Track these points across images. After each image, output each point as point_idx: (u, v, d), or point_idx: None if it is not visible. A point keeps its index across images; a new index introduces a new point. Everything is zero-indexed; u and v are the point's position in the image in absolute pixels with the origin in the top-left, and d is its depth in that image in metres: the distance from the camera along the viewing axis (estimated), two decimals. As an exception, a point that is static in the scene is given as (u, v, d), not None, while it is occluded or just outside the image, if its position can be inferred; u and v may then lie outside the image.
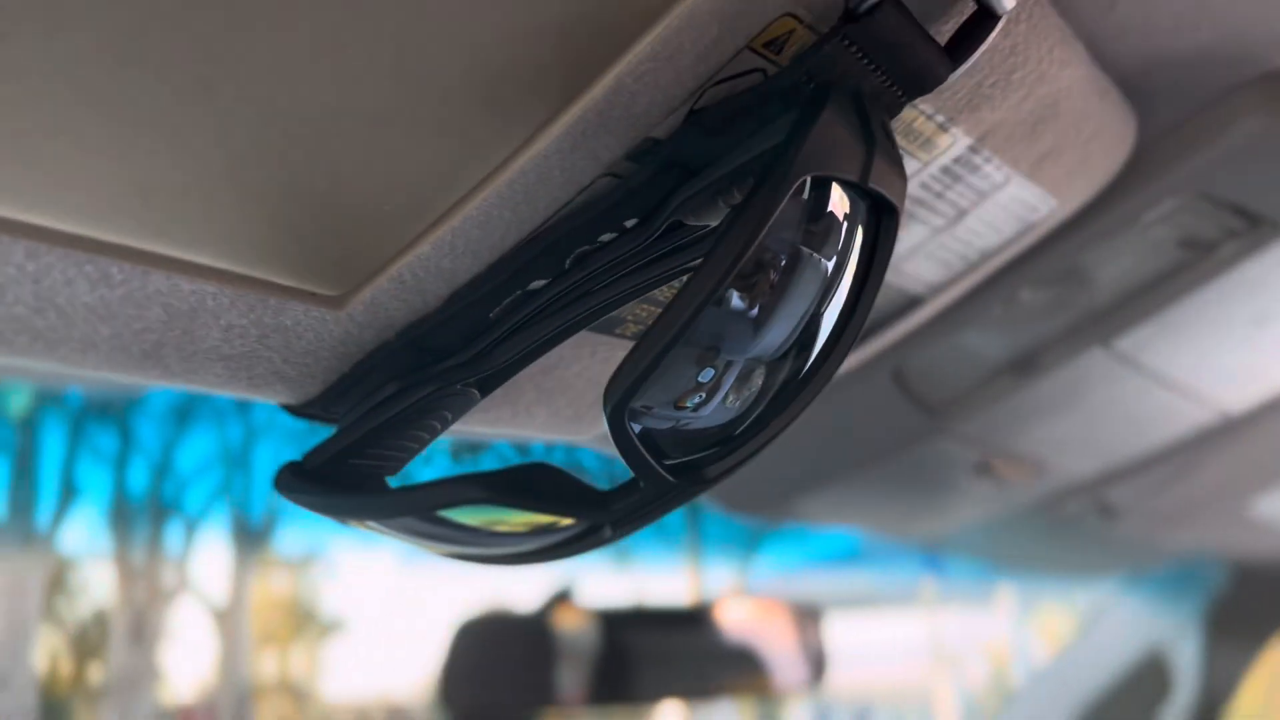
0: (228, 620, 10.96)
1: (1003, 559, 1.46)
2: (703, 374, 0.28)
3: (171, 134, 0.24)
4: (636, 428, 0.29)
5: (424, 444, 0.37)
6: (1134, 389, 0.63)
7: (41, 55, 0.22)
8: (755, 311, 0.27)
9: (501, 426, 0.44)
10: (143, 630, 10.08)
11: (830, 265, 0.28)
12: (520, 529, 0.33)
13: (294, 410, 0.39)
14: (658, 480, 0.30)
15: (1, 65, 0.21)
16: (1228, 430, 0.78)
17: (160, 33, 0.22)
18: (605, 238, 0.31)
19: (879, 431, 0.64)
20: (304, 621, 13.85)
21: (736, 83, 0.28)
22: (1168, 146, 0.45)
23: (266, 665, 13.27)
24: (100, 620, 11.41)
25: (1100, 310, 0.54)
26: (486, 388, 0.36)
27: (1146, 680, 1.42)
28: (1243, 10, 0.38)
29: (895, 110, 0.30)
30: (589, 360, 0.43)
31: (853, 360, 0.54)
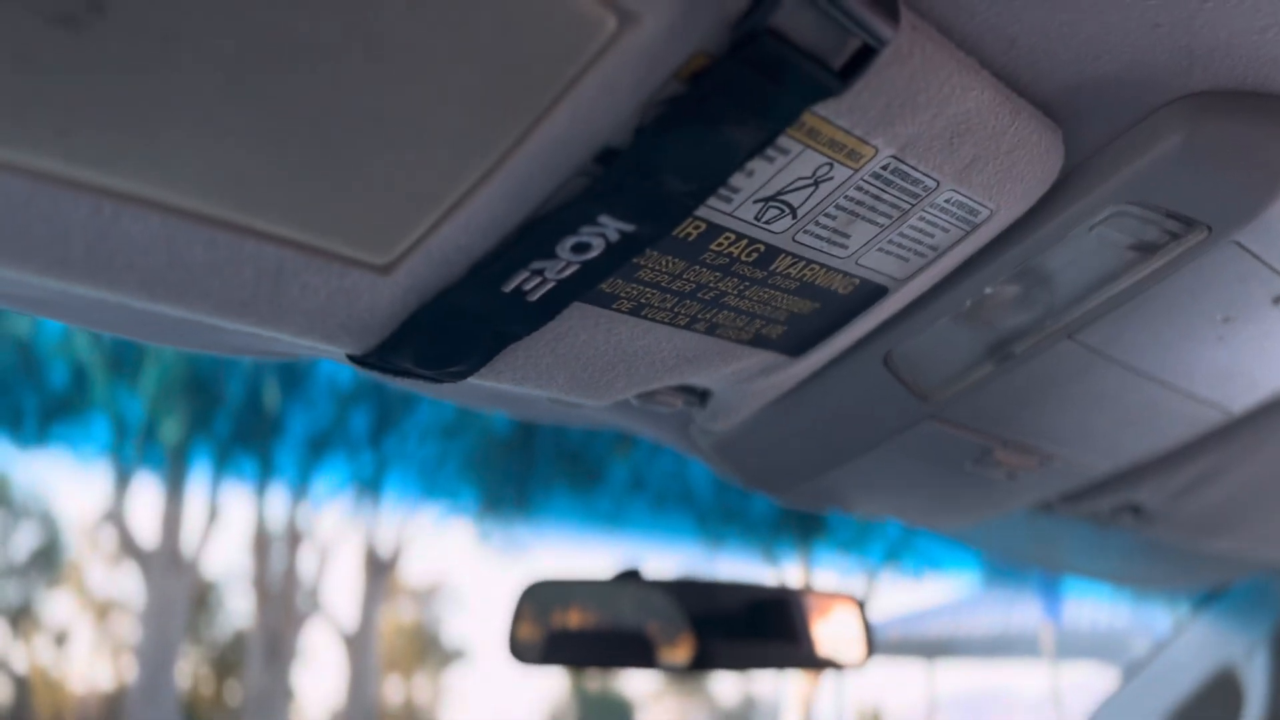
0: (356, 645, 11.30)
1: (1081, 572, 1.48)
2: None
3: (263, 137, 0.34)
4: None
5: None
6: (1119, 383, 0.69)
7: (183, 87, 0.31)
8: None
9: (529, 384, 0.54)
10: (278, 651, 10.49)
11: None
12: None
13: (357, 360, 0.48)
14: None
15: (156, 98, 0.31)
16: (1244, 434, 0.82)
17: (261, 69, 0.31)
18: (586, 229, 0.42)
19: (877, 415, 0.72)
20: (428, 649, 14.24)
21: (672, 103, 0.38)
22: (1101, 159, 0.52)
23: (392, 691, 13.69)
24: (238, 641, 11.96)
25: (1062, 305, 0.61)
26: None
27: (1219, 698, 1.41)
28: (1136, 43, 0.44)
29: (795, 114, 0.39)
30: (593, 331, 0.51)
31: (840, 346, 0.61)
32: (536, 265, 0.43)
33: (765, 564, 3.91)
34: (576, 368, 0.54)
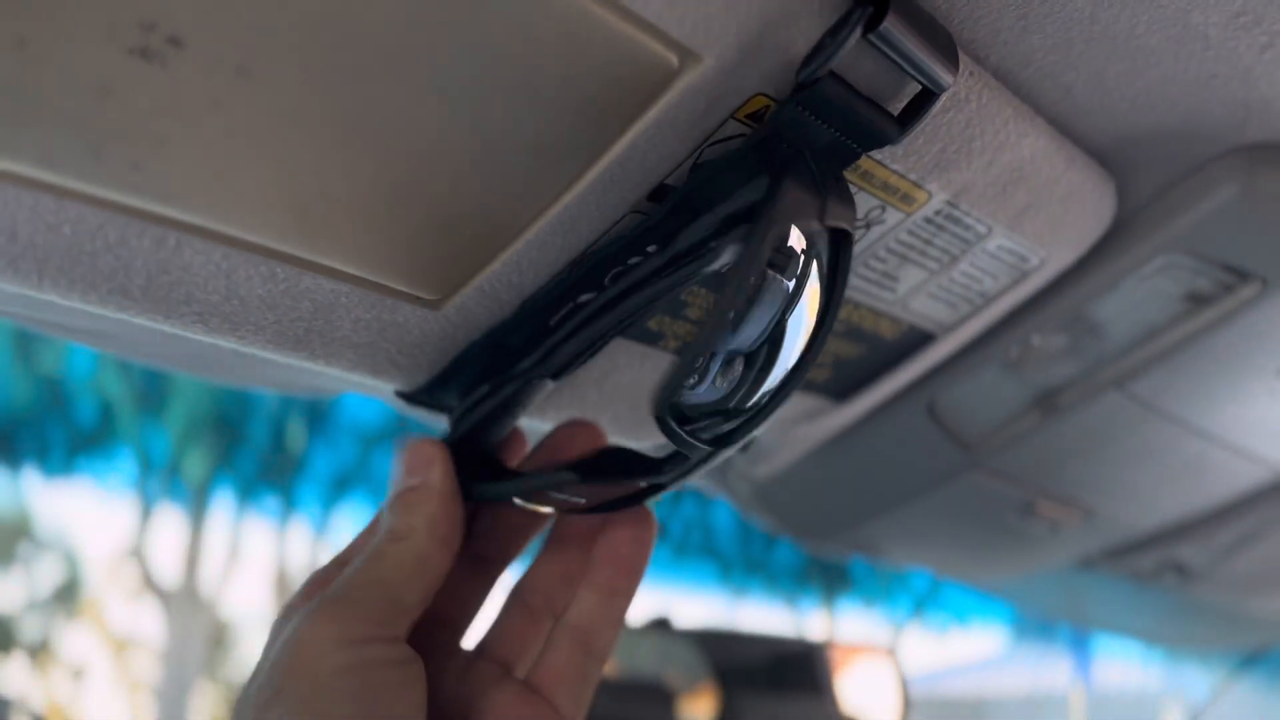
0: (371, 688, 11.21)
1: (1118, 629, 1.45)
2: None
3: (324, 172, 0.34)
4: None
5: (509, 427, 0.46)
6: (1167, 437, 0.67)
7: (254, 121, 0.31)
8: (731, 316, 0.34)
9: None
10: (293, 693, 10.40)
11: (790, 284, 0.36)
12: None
13: (406, 396, 0.47)
14: (699, 451, 0.37)
15: (227, 131, 0.31)
16: None
17: (331, 105, 0.31)
18: (633, 260, 0.41)
19: (920, 464, 0.71)
20: (443, 694, 14.11)
21: (729, 142, 0.38)
22: (1154, 209, 0.51)
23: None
24: (254, 681, 11.87)
25: (1111, 355, 0.60)
26: (556, 378, 0.45)
27: None
28: (1193, 94, 0.44)
29: (852, 158, 0.39)
30: (639, 369, 0.52)
31: (885, 392, 0.60)
32: (584, 300, 0.43)
33: (789, 615, 3.86)
34: (622, 407, 0.53)
